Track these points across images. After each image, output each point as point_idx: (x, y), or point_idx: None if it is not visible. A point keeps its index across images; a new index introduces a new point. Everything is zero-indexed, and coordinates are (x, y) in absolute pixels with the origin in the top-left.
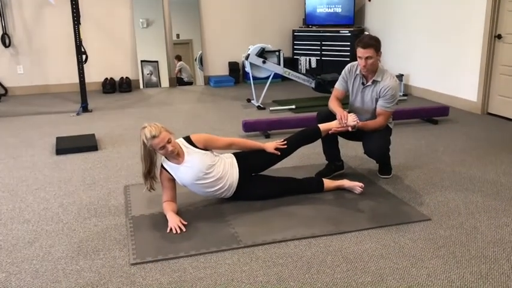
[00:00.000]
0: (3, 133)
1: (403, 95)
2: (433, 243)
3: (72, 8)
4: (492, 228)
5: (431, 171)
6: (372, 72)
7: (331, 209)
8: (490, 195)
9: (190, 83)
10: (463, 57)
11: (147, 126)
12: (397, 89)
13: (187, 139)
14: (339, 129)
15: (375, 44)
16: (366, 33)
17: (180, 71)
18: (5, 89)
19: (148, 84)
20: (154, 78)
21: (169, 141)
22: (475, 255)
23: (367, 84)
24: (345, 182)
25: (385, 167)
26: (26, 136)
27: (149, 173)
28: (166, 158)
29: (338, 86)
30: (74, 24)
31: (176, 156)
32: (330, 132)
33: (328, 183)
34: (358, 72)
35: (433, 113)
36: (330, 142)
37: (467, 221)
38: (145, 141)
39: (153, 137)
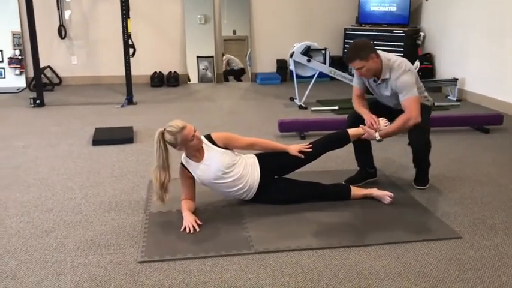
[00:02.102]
0: (49, 121)
1: (457, 101)
2: (459, 264)
3: (121, 2)
4: None
5: (473, 184)
6: (376, 73)
7: (355, 218)
8: None
9: (241, 71)
10: None
11: (168, 126)
12: (408, 76)
13: (208, 137)
14: (365, 136)
15: (357, 54)
16: (422, 33)
17: (227, 63)
18: (60, 78)
19: (203, 79)
20: (209, 74)
21: (195, 130)
22: (506, 283)
23: (378, 82)
24: (374, 191)
25: (421, 176)
26: (69, 125)
27: (162, 186)
28: (186, 156)
29: (354, 83)
30: (122, 18)
31: (197, 153)
32: (362, 137)
33: (355, 191)
34: None
35: (484, 121)
36: (362, 147)
37: (504, 243)
38: (173, 137)
39: (183, 128)
